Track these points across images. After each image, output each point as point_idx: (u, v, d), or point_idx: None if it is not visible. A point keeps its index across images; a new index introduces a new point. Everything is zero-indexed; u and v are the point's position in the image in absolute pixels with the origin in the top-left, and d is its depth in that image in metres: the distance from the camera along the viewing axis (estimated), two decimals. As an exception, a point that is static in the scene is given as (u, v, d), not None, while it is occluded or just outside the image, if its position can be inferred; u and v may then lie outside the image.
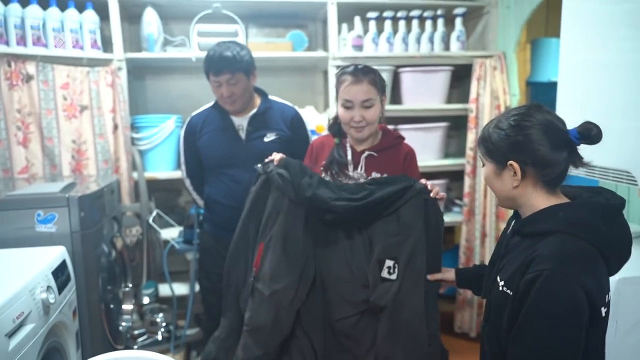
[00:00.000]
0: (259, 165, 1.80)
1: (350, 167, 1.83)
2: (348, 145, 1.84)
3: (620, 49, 1.73)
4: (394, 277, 1.59)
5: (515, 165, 1.18)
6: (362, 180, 1.79)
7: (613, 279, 1.29)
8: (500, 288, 1.20)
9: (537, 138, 1.15)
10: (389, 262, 1.60)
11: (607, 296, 1.14)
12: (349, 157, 1.83)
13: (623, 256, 1.18)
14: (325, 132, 2.13)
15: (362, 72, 1.76)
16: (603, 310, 1.12)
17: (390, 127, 2.05)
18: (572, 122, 1.19)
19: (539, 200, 1.19)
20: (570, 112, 1.22)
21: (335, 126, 1.87)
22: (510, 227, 1.30)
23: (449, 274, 1.63)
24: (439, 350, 1.65)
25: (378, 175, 1.80)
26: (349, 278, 1.66)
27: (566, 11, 2.02)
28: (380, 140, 1.85)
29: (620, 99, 1.71)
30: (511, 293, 1.16)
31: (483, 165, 1.28)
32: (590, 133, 1.15)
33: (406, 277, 1.58)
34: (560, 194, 1.22)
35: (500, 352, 1.20)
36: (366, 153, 1.82)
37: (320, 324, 1.67)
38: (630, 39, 1.67)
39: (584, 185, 1.28)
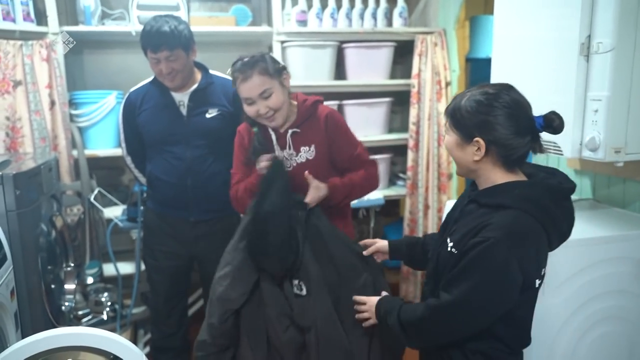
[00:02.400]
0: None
1: (277, 148, 1.81)
2: (270, 129, 1.81)
3: (549, 27, 1.81)
4: (304, 292, 1.64)
5: (482, 142, 1.22)
6: (293, 159, 1.80)
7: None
8: (449, 249, 1.28)
9: (504, 121, 1.20)
10: (295, 281, 1.66)
11: (543, 270, 1.27)
12: (274, 140, 1.81)
13: (565, 236, 1.29)
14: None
15: (249, 65, 1.70)
16: (537, 282, 1.25)
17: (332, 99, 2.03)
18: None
19: (497, 175, 1.26)
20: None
21: (250, 117, 1.80)
22: (467, 194, 1.36)
23: (381, 243, 1.68)
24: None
25: (307, 148, 1.80)
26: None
27: (500, -11, 2.09)
28: (297, 114, 1.83)
29: (549, 74, 1.80)
30: (457, 252, 1.25)
31: (446, 132, 1.32)
32: (553, 124, 1.22)
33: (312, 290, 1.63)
34: (519, 171, 1.28)
35: None
36: (290, 131, 1.80)
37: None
38: (558, 17, 1.75)
39: (539, 164, 1.36)
